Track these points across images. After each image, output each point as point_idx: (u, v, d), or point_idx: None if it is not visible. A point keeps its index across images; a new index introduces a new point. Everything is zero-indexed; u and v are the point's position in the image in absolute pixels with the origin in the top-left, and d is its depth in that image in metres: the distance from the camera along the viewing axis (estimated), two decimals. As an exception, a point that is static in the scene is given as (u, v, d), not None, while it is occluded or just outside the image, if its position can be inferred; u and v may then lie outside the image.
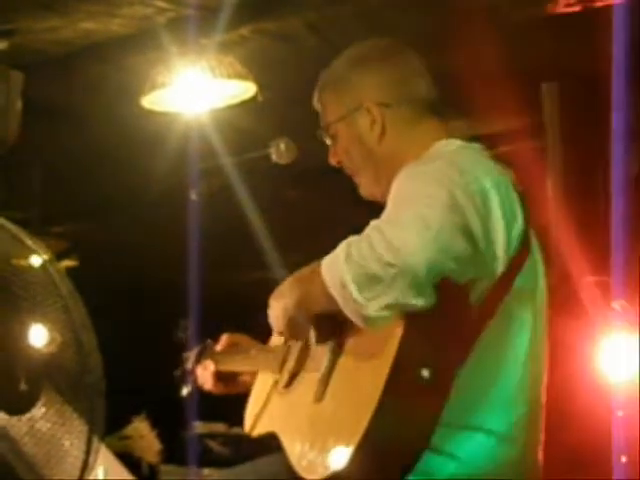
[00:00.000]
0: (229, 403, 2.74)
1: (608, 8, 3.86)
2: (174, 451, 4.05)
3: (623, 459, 3.79)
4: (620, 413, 3.90)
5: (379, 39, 2.32)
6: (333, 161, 2.30)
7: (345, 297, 1.89)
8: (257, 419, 2.33)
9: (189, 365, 2.73)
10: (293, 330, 2.14)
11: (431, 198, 1.93)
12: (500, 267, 1.99)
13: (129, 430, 4.26)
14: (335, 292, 1.90)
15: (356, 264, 1.87)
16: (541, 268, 2.14)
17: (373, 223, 1.93)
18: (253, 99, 4.34)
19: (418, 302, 1.87)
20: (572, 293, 4.38)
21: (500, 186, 2.02)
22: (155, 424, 4.19)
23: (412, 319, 1.90)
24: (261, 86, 4.23)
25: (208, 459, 3.78)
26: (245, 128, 4.78)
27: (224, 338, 2.64)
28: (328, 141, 2.28)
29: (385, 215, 1.96)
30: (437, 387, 1.90)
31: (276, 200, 5.88)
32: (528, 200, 2.11)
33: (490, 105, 5.10)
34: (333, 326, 2.08)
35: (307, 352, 2.21)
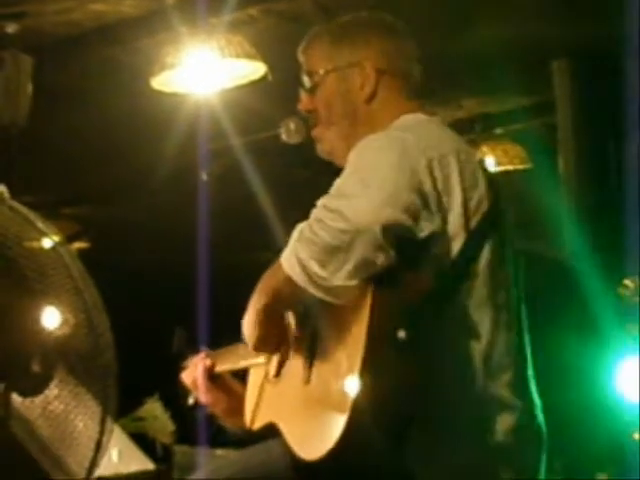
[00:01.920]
0: (243, 382, 2.74)
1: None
2: (187, 432, 4.06)
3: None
4: (636, 435, 3.94)
5: (388, 15, 2.32)
6: (304, 109, 2.30)
7: (309, 277, 1.90)
8: (255, 413, 2.35)
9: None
10: (262, 333, 2.11)
11: (376, 162, 1.95)
12: (456, 230, 1.99)
13: (142, 411, 4.26)
14: (297, 277, 1.91)
15: (310, 242, 1.89)
16: (515, 244, 2.14)
17: (319, 202, 1.95)
18: (263, 79, 4.33)
19: (379, 259, 1.88)
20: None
21: (460, 153, 2.03)
22: (167, 405, 4.19)
23: (378, 283, 1.91)
24: (270, 66, 4.22)
25: (221, 439, 3.78)
26: (254, 108, 4.78)
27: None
28: (307, 84, 2.28)
29: (331, 190, 1.97)
30: (416, 346, 1.91)
31: (286, 180, 5.89)
32: (496, 181, 2.12)
33: (501, 83, 5.09)
34: (308, 311, 2.10)
35: (290, 340, 2.21)
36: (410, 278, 1.95)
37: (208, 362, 2.58)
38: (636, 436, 4.10)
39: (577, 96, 5.09)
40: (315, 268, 1.89)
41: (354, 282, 1.90)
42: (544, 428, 2.11)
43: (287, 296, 2.02)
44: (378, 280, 1.92)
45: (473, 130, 6.02)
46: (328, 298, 1.93)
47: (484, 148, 6.07)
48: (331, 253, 1.87)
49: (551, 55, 5.07)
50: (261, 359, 2.34)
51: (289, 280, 1.94)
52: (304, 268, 1.90)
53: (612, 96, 4.65)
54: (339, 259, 1.87)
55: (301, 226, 1.94)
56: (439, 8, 4.36)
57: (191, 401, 2.68)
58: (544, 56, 4.99)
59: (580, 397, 4.22)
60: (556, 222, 4.97)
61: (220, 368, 2.57)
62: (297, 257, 1.90)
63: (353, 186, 1.93)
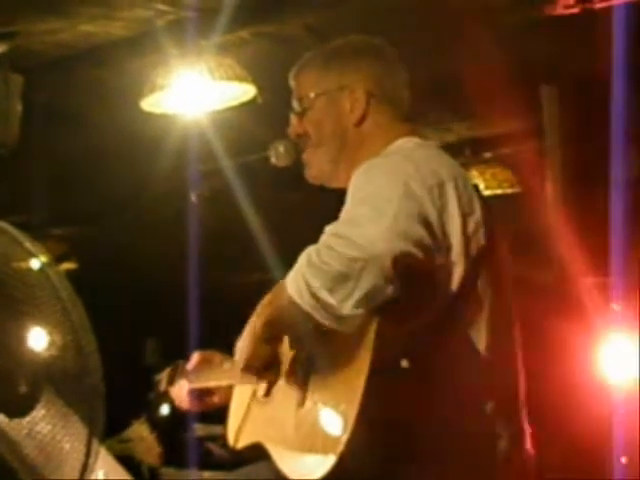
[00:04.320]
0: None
1: (607, 10, 3.87)
2: (174, 454, 4.05)
3: (623, 460, 3.79)
4: (620, 414, 3.91)
5: (382, 40, 2.34)
6: (294, 133, 2.32)
7: (317, 304, 1.90)
8: (240, 431, 2.34)
9: (162, 387, 2.71)
10: (254, 354, 2.11)
11: (385, 190, 1.96)
12: (457, 258, 2.00)
13: (129, 433, 4.25)
14: (304, 302, 1.91)
15: (320, 270, 1.88)
16: (504, 267, 2.14)
17: (328, 228, 1.95)
18: (252, 101, 4.34)
19: (388, 290, 1.88)
20: (572, 294, 4.38)
21: (457, 180, 2.04)
22: (155, 427, 4.18)
23: (383, 312, 1.92)
24: (260, 88, 4.24)
25: (208, 462, 3.77)
26: (244, 130, 4.78)
27: (195, 356, 2.62)
28: (297, 108, 2.29)
29: (341, 218, 1.98)
30: (417, 375, 1.91)
31: (275, 202, 5.89)
32: (491, 205, 2.13)
33: (490, 107, 5.10)
34: (304, 334, 2.09)
35: (283, 361, 2.21)
36: (414, 307, 1.95)
37: (187, 387, 2.58)
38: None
39: (565, 121, 5.11)
40: (324, 295, 1.88)
41: (361, 311, 1.90)
42: (532, 454, 2.11)
43: (288, 319, 2.01)
44: (383, 309, 1.92)
45: (462, 154, 6.04)
46: (334, 325, 1.93)
47: (473, 172, 6.08)
48: (340, 281, 1.87)
49: (540, 80, 5.09)
50: (247, 379, 2.33)
51: (293, 303, 1.93)
52: (313, 295, 1.89)
53: (600, 121, 4.67)
54: (348, 287, 1.87)
55: (309, 251, 1.93)
56: (427, 31, 4.38)
57: (165, 412, 2.68)
58: (533, 81, 5.01)
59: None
60: (544, 246, 4.98)
61: (202, 384, 2.57)
62: (306, 283, 1.90)
63: (364, 215, 1.93)
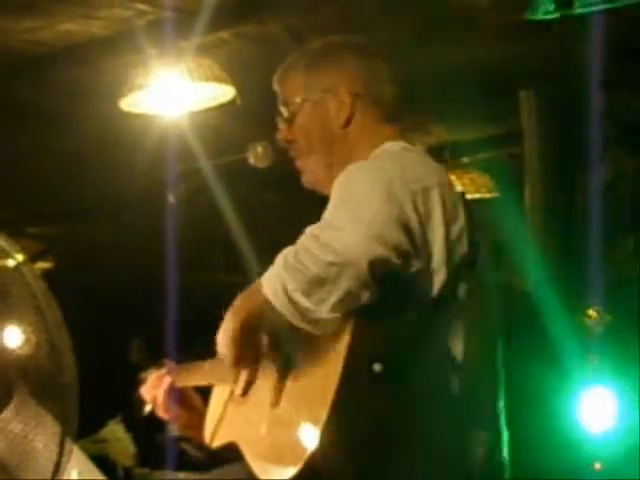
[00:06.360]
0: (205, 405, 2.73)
1: (586, 16, 3.89)
2: (149, 454, 4.04)
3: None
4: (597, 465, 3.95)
5: (364, 38, 2.33)
6: (283, 138, 2.30)
7: (293, 307, 1.89)
8: (216, 430, 2.33)
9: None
10: (238, 351, 2.09)
11: (366, 194, 1.95)
12: (438, 265, 2.00)
13: (104, 433, 4.24)
14: (280, 304, 1.91)
15: (297, 272, 1.88)
16: (489, 275, 2.15)
17: (307, 230, 1.94)
18: (232, 102, 4.33)
19: (363, 295, 1.88)
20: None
21: (443, 186, 2.04)
22: (130, 427, 4.18)
23: (360, 316, 1.92)
24: (240, 89, 4.23)
25: (183, 462, 3.76)
26: (223, 131, 4.78)
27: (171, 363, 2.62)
28: (284, 114, 2.27)
29: (321, 220, 1.97)
30: (390, 380, 1.90)
31: (254, 203, 5.88)
32: (474, 212, 2.13)
33: (468, 112, 5.12)
34: (282, 335, 2.09)
35: (261, 361, 2.20)
36: (391, 312, 1.95)
37: (170, 379, 2.57)
38: (597, 466, 4.11)
39: (543, 126, 5.13)
40: (299, 298, 1.88)
41: (337, 315, 1.90)
42: (507, 462, 2.11)
43: (264, 318, 2.01)
44: (360, 312, 1.92)
45: (442, 157, 6.04)
46: (309, 328, 1.93)
47: (451, 176, 6.09)
48: (317, 284, 1.87)
49: (518, 85, 5.11)
50: (226, 379, 2.32)
51: (267, 304, 1.93)
52: (289, 298, 1.89)
53: (578, 127, 4.69)
54: (324, 291, 1.87)
55: (286, 252, 1.93)
56: (407, 33, 4.39)
57: (147, 409, 2.67)
58: (511, 86, 5.03)
59: (542, 427, 4.23)
60: (521, 251, 5.00)
61: (182, 384, 2.56)
62: (282, 284, 1.89)
63: (343, 218, 1.93)
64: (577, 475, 4.19)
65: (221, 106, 4.42)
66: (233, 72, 4.21)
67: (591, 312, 4.34)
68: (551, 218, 5.16)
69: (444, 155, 6.08)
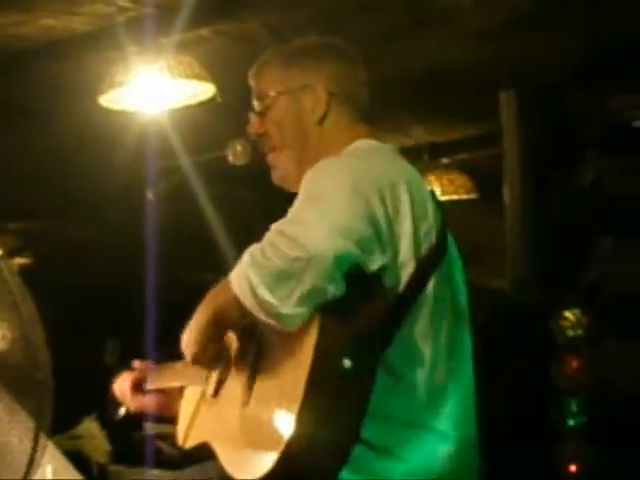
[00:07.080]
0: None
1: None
2: (124, 451, 4.03)
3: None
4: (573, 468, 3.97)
5: (343, 40, 2.34)
6: (255, 131, 2.31)
7: (258, 302, 1.90)
8: (189, 431, 2.33)
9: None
10: (203, 346, 2.11)
11: (333, 190, 1.97)
12: (406, 260, 2.01)
13: (79, 430, 4.24)
14: (246, 300, 1.91)
15: (262, 267, 1.89)
16: (460, 275, 2.15)
17: (273, 226, 1.96)
18: (211, 100, 4.33)
19: (329, 289, 1.89)
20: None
21: (411, 183, 2.05)
22: (104, 424, 4.17)
23: (327, 311, 1.92)
24: (220, 86, 4.23)
25: (158, 460, 3.76)
26: (203, 128, 4.78)
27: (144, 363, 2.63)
28: (258, 107, 2.28)
29: (287, 215, 1.98)
30: (360, 375, 1.91)
31: (232, 200, 5.88)
32: (442, 205, 2.14)
33: (448, 112, 5.13)
34: (252, 332, 2.09)
35: (231, 360, 2.21)
36: (358, 307, 1.96)
37: (136, 375, 2.58)
38: (572, 468, 4.13)
39: (523, 127, 5.14)
40: (264, 293, 1.88)
41: (302, 310, 1.90)
42: (477, 461, 2.12)
43: (232, 315, 2.01)
44: (326, 308, 1.92)
45: (420, 159, 6.05)
46: (275, 324, 1.93)
47: (430, 177, 6.10)
48: (282, 279, 1.88)
49: (498, 85, 5.13)
50: (198, 379, 2.33)
51: (236, 300, 1.94)
52: (254, 293, 1.89)
53: (558, 127, 4.71)
54: (289, 286, 1.88)
55: (252, 248, 1.93)
56: (386, 33, 4.40)
57: (122, 412, 2.68)
58: (491, 86, 5.04)
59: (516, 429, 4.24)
60: (499, 252, 5.01)
61: (154, 386, 2.56)
62: (247, 280, 1.90)
63: (309, 213, 1.94)
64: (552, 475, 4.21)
65: (201, 103, 4.42)
66: (212, 69, 4.21)
67: (568, 314, 4.35)
68: (530, 219, 5.17)
69: (422, 156, 6.10)
